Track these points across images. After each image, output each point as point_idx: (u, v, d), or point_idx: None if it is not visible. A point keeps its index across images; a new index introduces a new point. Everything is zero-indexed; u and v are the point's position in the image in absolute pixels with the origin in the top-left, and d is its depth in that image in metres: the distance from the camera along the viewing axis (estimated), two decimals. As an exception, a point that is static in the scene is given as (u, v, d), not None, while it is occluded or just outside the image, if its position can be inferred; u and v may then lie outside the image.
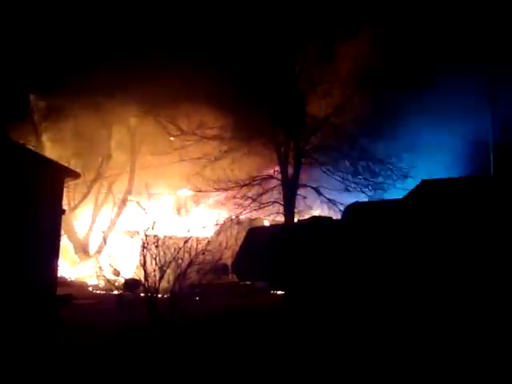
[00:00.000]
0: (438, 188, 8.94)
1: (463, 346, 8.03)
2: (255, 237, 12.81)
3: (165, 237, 14.74)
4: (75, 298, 19.70)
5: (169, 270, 14.49)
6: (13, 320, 13.31)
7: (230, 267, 15.49)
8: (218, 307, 17.60)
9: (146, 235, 14.21)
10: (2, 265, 13.81)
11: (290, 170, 18.41)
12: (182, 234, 16.18)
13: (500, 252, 8.31)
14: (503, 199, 8.88)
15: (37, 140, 27.39)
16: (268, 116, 18.50)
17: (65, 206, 18.55)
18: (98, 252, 28.38)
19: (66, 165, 18.96)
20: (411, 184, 17.54)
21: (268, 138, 18.52)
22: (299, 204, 18.39)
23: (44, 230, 15.17)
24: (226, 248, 14.60)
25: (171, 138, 19.30)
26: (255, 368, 9.80)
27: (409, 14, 18.16)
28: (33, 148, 21.75)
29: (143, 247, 14.22)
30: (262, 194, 18.24)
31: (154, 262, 14.34)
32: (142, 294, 17.05)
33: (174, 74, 19.06)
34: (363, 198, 18.67)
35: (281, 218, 20.07)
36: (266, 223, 20.31)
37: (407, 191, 17.71)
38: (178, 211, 16.03)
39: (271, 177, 18.52)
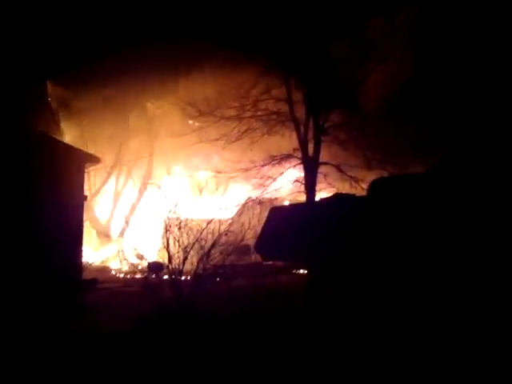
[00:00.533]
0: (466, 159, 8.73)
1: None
2: (278, 216, 12.66)
3: (186, 219, 14.78)
4: (100, 281, 19.91)
5: (192, 252, 14.55)
6: (39, 306, 13.48)
7: (252, 247, 15.46)
8: (242, 288, 17.71)
9: (169, 218, 14.25)
10: (28, 252, 13.96)
11: (310, 149, 18.20)
12: (203, 216, 16.18)
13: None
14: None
15: (56, 127, 27.49)
16: (286, 93, 18.30)
17: (86, 192, 18.67)
18: (121, 236, 28.58)
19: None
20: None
21: (287, 116, 18.30)
22: (320, 182, 18.21)
23: (67, 216, 15.31)
24: (248, 228, 14.59)
25: (190, 122, 19.11)
26: (279, 350, 9.83)
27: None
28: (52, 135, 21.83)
29: (166, 230, 14.27)
30: (282, 174, 18.12)
31: (177, 245, 14.40)
32: (165, 277, 17.20)
33: (189, 54, 18.99)
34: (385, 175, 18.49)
35: (302, 198, 19.95)
36: (286, 203, 20.23)
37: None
38: (200, 192, 15.93)
39: (291, 156, 18.34)
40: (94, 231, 28.69)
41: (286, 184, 18.45)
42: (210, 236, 14.32)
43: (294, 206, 15.11)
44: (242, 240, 14.46)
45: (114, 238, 29.85)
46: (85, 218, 18.63)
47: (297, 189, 18.90)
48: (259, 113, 18.50)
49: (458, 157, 9.02)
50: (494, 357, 7.47)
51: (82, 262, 17.19)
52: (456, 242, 8.11)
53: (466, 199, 8.19)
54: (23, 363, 9.43)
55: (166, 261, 15.39)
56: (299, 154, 18.20)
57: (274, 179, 18.23)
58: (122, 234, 28.55)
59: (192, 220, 15.13)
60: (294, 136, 18.48)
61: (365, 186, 17.80)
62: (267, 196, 18.70)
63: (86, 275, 17.79)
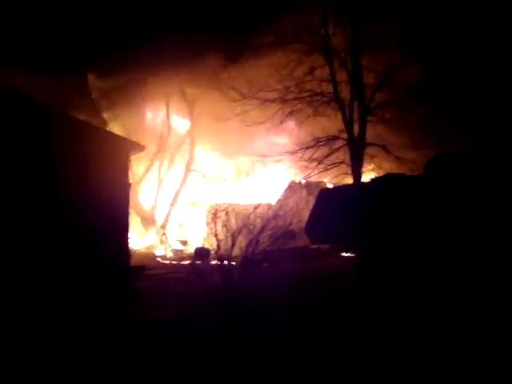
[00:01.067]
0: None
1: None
2: (327, 198, 12.33)
3: (232, 204, 14.65)
4: (147, 268, 20.05)
5: (240, 237, 14.42)
6: (91, 293, 13.62)
7: (296, 231, 15.24)
8: (290, 272, 17.53)
9: (216, 203, 14.14)
10: (78, 239, 14.09)
11: (356, 129, 17.83)
12: (249, 200, 16.07)
13: None
14: None
15: (98, 117, 27.74)
16: (330, 73, 17.93)
17: (129, 180, 18.73)
18: (165, 223, 28.76)
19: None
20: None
21: (331, 96, 17.93)
22: (367, 163, 17.84)
23: (114, 204, 15.36)
24: (296, 212, 14.39)
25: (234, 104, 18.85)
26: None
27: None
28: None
29: (214, 215, 14.17)
30: (328, 155, 17.76)
31: (225, 230, 14.29)
32: (212, 262, 17.17)
33: (229, 36, 18.77)
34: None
35: (347, 180, 19.62)
36: (329, 186, 19.90)
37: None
38: (247, 175, 15.78)
39: (336, 137, 17.97)
40: (139, 218, 28.90)
41: (331, 166, 18.05)
42: (257, 220, 14.20)
43: (344, 188, 14.80)
44: (291, 224, 14.28)
45: (158, 225, 30.08)
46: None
47: (342, 171, 18.52)
48: (303, 94, 18.14)
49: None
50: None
51: (129, 249, 17.27)
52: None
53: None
54: (78, 348, 9.53)
55: (213, 246, 15.43)
56: (345, 136, 17.82)
57: (320, 162, 17.86)
58: (166, 220, 28.73)
59: (238, 205, 15.03)
60: (340, 117, 18.12)
61: (412, 166, 17.40)
62: (312, 179, 18.45)
63: (132, 262, 17.90)
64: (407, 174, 13.79)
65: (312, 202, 14.71)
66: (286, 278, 15.88)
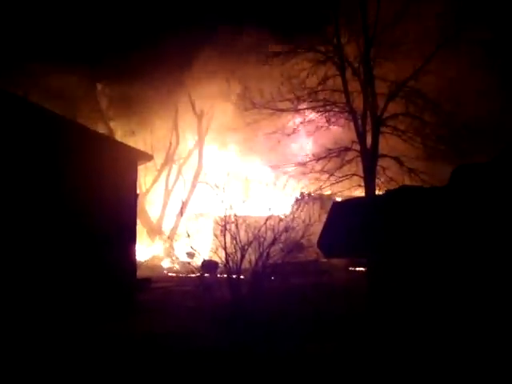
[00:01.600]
0: None
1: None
2: (341, 211, 11.88)
3: (241, 217, 14.28)
4: (153, 280, 19.70)
5: (250, 250, 14.05)
6: (97, 305, 13.30)
7: (305, 244, 14.86)
8: (300, 286, 17.14)
9: (225, 216, 13.79)
10: (84, 251, 13.79)
11: (369, 140, 17.46)
12: (258, 212, 15.68)
13: None
14: None
15: (106, 126, 27.55)
16: (342, 82, 17.60)
17: (137, 190, 18.43)
18: (172, 235, 28.43)
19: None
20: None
21: (344, 107, 17.59)
22: (380, 175, 17.42)
23: (122, 214, 15.09)
24: (309, 224, 14.00)
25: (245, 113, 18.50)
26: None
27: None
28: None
29: (223, 228, 13.81)
30: (340, 167, 17.38)
31: (234, 242, 13.92)
32: (219, 275, 16.77)
33: (241, 44, 18.55)
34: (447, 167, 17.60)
35: (358, 193, 19.25)
36: (338, 199, 19.47)
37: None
38: (266, 185, 15.34)
39: (349, 148, 17.59)
40: (145, 229, 28.60)
41: (343, 178, 17.66)
42: (268, 233, 13.83)
43: (357, 201, 14.39)
44: (303, 237, 13.91)
45: (165, 237, 29.76)
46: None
47: (354, 183, 18.13)
48: (315, 104, 17.82)
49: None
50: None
51: (136, 261, 16.95)
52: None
53: None
54: (80, 363, 9.19)
55: (221, 259, 15.06)
56: (357, 147, 17.45)
57: (331, 174, 17.48)
58: (173, 232, 28.41)
59: (249, 217, 14.66)
60: (352, 128, 17.77)
61: (425, 177, 17.04)
62: (324, 191, 18.05)
63: (138, 274, 17.58)
64: (423, 186, 13.44)
65: (322, 214, 14.34)
66: (297, 293, 15.51)
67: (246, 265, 14.17)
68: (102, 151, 14.66)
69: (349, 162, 17.56)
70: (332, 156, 17.41)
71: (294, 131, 18.16)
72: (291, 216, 13.84)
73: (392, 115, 17.53)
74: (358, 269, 22.73)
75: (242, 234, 14.09)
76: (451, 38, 16.58)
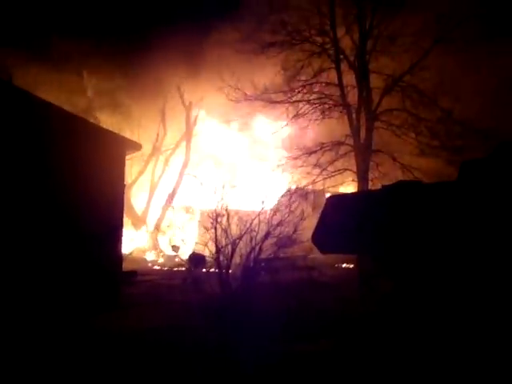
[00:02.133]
0: None
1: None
2: (336, 205, 11.57)
3: (232, 210, 13.92)
4: (139, 274, 19.29)
5: (241, 244, 13.70)
6: (82, 298, 12.88)
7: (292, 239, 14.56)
8: (290, 281, 16.85)
9: (216, 208, 13.42)
10: (69, 242, 13.33)
11: (362, 135, 17.19)
12: (248, 207, 15.34)
13: None
14: None
15: (92, 116, 26.96)
16: (337, 75, 17.29)
17: (125, 181, 17.95)
18: (157, 227, 27.98)
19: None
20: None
21: (338, 100, 17.28)
22: (373, 171, 17.16)
23: (108, 205, 14.62)
24: (302, 219, 13.69)
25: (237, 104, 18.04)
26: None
27: None
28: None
29: (215, 220, 13.45)
30: (334, 161, 17.08)
31: (225, 236, 13.57)
32: (206, 270, 16.41)
33: (232, 34, 18.09)
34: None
35: (349, 188, 19.02)
36: (327, 195, 19.20)
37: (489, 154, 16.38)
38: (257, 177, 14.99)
39: (342, 143, 17.30)
40: (129, 221, 28.12)
41: (336, 173, 17.36)
42: (258, 227, 13.51)
43: (354, 195, 14.11)
44: (296, 231, 13.60)
45: (150, 229, 29.32)
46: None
47: (346, 178, 17.86)
48: (309, 97, 17.49)
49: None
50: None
51: (122, 253, 16.50)
52: None
53: None
54: (64, 359, 8.80)
55: (211, 253, 14.71)
56: (351, 141, 17.17)
57: (324, 168, 17.17)
58: (158, 224, 27.97)
59: (239, 211, 14.32)
60: (345, 123, 17.48)
61: (418, 173, 16.84)
62: (315, 186, 17.74)
63: (123, 267, 17.16)
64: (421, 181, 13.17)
65: (313, 209, 14.06)
66: (288, 289, 15.22)
67: (236, 259, 13.90)
68: (88, 139, 14.14)
69: (342, 156, 17.27)
70: (325, 150, 17.10)
71: (287, 124, 17.80)
72: (284, 210, 13.48)
73: (387, 110, 17.29)
74: (344, 265, 22.57)
75: (233, 227, 13.78)
76: (449, 33, 16.31)
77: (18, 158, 12.61)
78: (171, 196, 28.61)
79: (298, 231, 13.57)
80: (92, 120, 25.61)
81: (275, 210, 13.38)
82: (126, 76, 25.91)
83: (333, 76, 17.37)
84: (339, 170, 17.26)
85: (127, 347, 9.61)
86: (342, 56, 17.22)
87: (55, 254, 13.03)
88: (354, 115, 17.17)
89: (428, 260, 8.96)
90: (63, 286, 12.92)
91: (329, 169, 17.21)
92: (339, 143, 17.21)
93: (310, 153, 17.41)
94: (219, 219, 13.40)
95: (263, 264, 14.26)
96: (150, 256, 27.58)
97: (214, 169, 25.14)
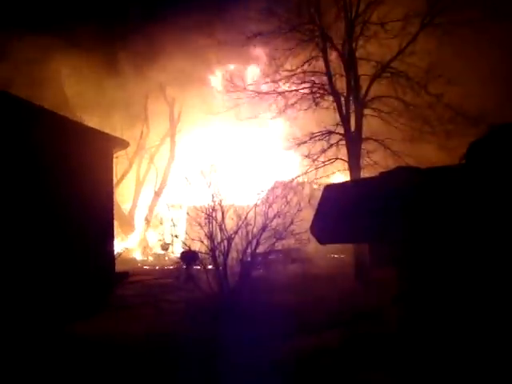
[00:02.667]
0: None
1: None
2: (334, 195, 11.22)
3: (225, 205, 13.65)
4: (132, 274, 18.91)
5: (236, 238, 13.45)
6: (75, 301, 12.53)
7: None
8: (286, 274, 16.62)
9: (213, 205, 13.15)
10: (59, 243, 12.98)
11: (352, 123, 16.96)
12: (241, 201, 15.06)
13: None
14: None
15: (72, 115, 26.37)
16: (324, 63, 17.03)
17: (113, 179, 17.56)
18: (145, 226, 27.57)
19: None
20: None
21: (326, 89, 17.02)
22: (364, 159, 16.95)
23: (98, 205, 14.29)
24: (299, 210, 13.46)
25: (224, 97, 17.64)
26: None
27: None
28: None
29: (210, 216, 13.18)
30: (324, 151, 16.83)
31: (220, 231, 13.30)
32: (198, 267, 16.12)
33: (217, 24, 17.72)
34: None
35: (339, 179, 18.76)
36: (314, 186, 18.99)
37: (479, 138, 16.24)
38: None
39: (332, 132, 17.05)
40: (116, 221, 27.66)
41: (327, 162, 17.11)
42: (254, 220, 13.26)
43: (352, 183, 13.88)
44: (292, 223, 13.38)
45: (137, 228, 28.90)
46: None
47: (337, 168, 17.60)
48: (297, 86, 17.20)
49: None
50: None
51: (113, 254, 16.14)
52: None
53: None
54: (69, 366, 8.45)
55: (202, 250, 14.42)
56: (341, 130, 16.93)
57: (315, 159, 16.91)
58: (146, 223, 27.53)
59: (231, 205, 14.06)
60: (333, 112, 17.23)
61: (410, 160, 16.66)
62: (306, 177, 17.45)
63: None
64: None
65: (297, 202, 13.84)
66: (284, 282, 15.02)
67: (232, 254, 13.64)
68: (75, 138, 13.78)
69: (332, 145, 17.02)
70: (316, 140, 16.84)
71: (276, 115, 17.49)
72: (280, 201, 13.22)
73: (376, 97, 17.08)
74: (335, 256, 22.44)
75: (228, 222, 13.52)
76: (436, 17, 16.12)
77: (4, 159, 12.20)
78: (157, 194, 28.20)
79: (295, 223, 13.38)
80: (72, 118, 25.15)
81: (271, 203, 13.14)
82: (106, 73, 25.32)
83: (321, 64, 17.09)
84: (330, 160, 17.01)
85: (116, 353, 9.25)
86: (329, 44, 16.91)
87: (45, 255, 12.70)
88: (343, 103, 16.91)
89: (433, 247, 8.74)
90: (53, 287, 12.57)
91: (320, 159, 16.93)
92: (329, 132, 16.95)
93: (300, 143, 17.14)
94: (214, 214, 13.16)
95: (260, 258, 14.06)
96: (138, 255, 27.21)
97: (200, 164, 24.74)
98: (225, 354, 8.69)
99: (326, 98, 17.05)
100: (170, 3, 21.67)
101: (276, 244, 14.18)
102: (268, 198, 14.00)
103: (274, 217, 12.79)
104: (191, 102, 24.69)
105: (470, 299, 7.42)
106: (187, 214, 14.37)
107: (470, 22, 15.20)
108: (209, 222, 13.32)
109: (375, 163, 16.93)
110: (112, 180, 15.81)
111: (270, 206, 12.97)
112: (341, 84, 17.07)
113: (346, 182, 14.62)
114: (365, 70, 17.20)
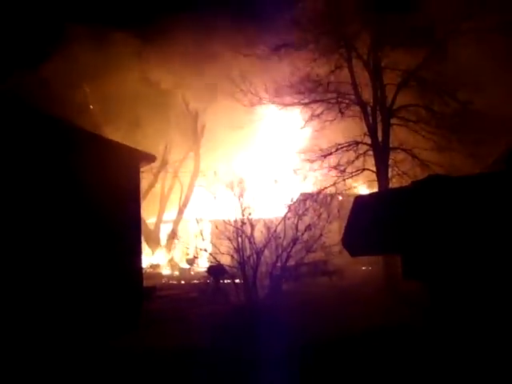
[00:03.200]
0: None
1: None
2: (364, 206, 11.04)
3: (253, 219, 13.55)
4: (159, 289, 18.89)
5: (266, 252, 13.35)
6: (104, 317, 12.47)
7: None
8: (314, 287, 16.42)
9: (242, 219, 13.08)
10: (89, 261, 12.93)
11: (379, 133, 16.79)
12: (268, 214, 14.95)
13: None
14: None
15: (97, 131, 26.59)
16: (350, 73, 16.92)
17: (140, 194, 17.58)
18: (170, 241, 27.59)
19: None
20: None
21: (353, 99, 16.89)
22: (392, 169, 16.75)
23: (127, 219, 14.22)
24: (329, 222, 13.33)
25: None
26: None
27: None
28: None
29: (240, 230, 13.11)
30: (352, 162, 16.65)
31: (249, 245, 13.22)
32: (225, 281, 16.01)
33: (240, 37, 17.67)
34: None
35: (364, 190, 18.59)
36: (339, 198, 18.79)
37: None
38: (275, 182, 14.54)
39: (359, 142, 16.89)
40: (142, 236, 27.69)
41: (354, 173, 16.94)
42: (284, 233, 13.14)
43: (382, 194, 13.72)
44: (321, 235, 13.24)
45: (163, 243, 28.92)
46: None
47: (365, 178, 17.43)
48: (323, 97, 17.08)
49: None
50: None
51: (142, 268, 16.10)
52: None
53: None
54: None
55: (228, 264, 14.32)
56: (368, 141, 16.77)
57: (343, 171, 16.74)
58: (171, 238, 27.53)
59: (259, 220, 13.98)
60: (359, 122, 17.10)
61: (438, 169, 16.43)
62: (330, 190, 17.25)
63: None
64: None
65: (324, 214, 13.69)
66: (312, 295, 14.83)
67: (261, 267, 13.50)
68: (103, 154, 13.75)
69: (359, 157, 16.85)
70: (342, 151, 16.69)
71: (302, 126, 17.38)
72: (312, 214, 13.09)
73: (402, 106, 16.91)
74: (363, 268, 22.17)
75: (257, 234, 13.42)
76: (463, 24, 15.93)
77: (33, 176, 12.24)
78: (182, 208, 28.24)
79: (325, 235, 13.22)
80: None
81: (301, 215, 13.01)
82: (130, 89, 25.52)
83: (346, 74, 16.97)
84: (358, 171, 16.83)
85: (154, 368, 9.14)
86: (354, 53, 16.80)
87: (75, 272, 12.65)
88: (369, 113, 16.76)
89: (472, 257, 8.51)
90: (85, 304, 12.53)
91: (347, 170, 16.77)
92: (356, 143, 16.80)
93: (326, 155, 16.99)
94: (243, 227, 13.07)
95: (291, 271, 13.95)
96: (165, 270, 27.20)
97: (226, 178, 24.73)
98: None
99: (351, 108, 16.92)
100: (192, 15, 21.69)
101: (307, 256, 14.06)
102: (297, 210, 13.89)
103: (306, 229, 12.61)
104: (215, 116, 24.69)
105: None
106: (216, 227, 14.17)
107: (499, 27, 14.97)
108: (237, 235, 13.24)
109: (404, 173, 16.72)
110: (139, 195, 15.75)
111: (299, 219, 12.81)
112: (367, 94, 16.92)
113: (377, 192, 14.46)
114: (391, 78, 17.04)
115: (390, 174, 16.77)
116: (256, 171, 18.46)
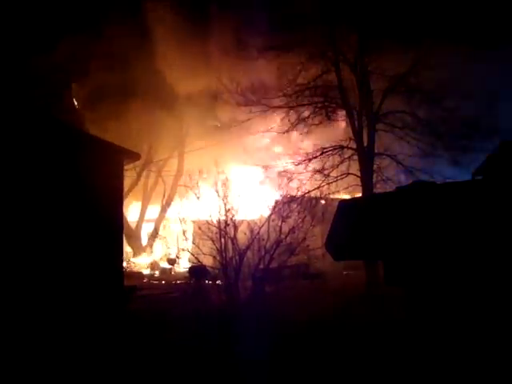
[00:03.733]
0: None
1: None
2: (349, 210, 10.98)
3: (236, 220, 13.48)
4: (139, 289, 18.71)
5: (249, 254, 13.27)
6: (86, 316, 12.29)
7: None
8: (297, 289, 16.37)
9: (225, 220, 12.98)
10: (68, 259, 12.77)
11: (365, 138, 16.83)
12: (250, 215, 14.88)
13: None
14: None
15: (82, 129, 26.34)
16: (337, 78, 16.94)
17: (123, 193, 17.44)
18: (151, 241, 27.43)
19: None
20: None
21: (339, 103, 16.91)
22: (376, 174, 16.80)
23: (108, 217, 14.10)
24: (312, 225, 13.30)
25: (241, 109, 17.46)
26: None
27: None
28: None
29: (223, 231, 13.01)
30: (337, 166, 16.66)
31: (231, 247, 13.13)
32: (206, 281, 15.91)
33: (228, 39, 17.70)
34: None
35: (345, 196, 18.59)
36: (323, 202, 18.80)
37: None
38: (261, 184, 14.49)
39: (344, 147, 16.91)
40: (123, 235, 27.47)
41: (339, 178, 16.94)
42: (268, 235, 13.08)
43: (367, 198, 13.72)
44: (305, 239, 13.20)
45: (144, 242, 28.73)
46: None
47: (349, 183, 17.43)
48: (310, 101, 17.08)
49: None
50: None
51: (122, 268, 15.95)
52: None
53: None
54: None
55: (209, 263, 14.22)
56: (353, 145, 16.80)
57: (327, 175, 16.74)
58: (152, 237, 27.36)
59: (241, 221, 13.89)
60: (344, 127, 17.17)
61: (422, 175, 16.59)
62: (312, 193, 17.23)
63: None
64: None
65: (308, 217, 13.67)
66: (300, 299, 14.78)
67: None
68: (86, 151, 13.64)
69: (343, 161, 16.87)
70: (328, 154, 16.70)
71: (288, 129, 17.35)
72: (296, 216, 13.05)
73: (389, 112, 16.97)
74: (344, 273, 22.18)
75: (240, 236, 13.34)
76: (449, 31, 16.01)
77: (18, 172, 12.08)
78: (164, 208, 28.09)
79: (308, 238, 13.19)
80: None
81: (285, 217, 12.96)
82: (114, 88, 25.34)
83: (334, 78, 17.00)
84: (342, 175, 16.85)
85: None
86: (341, 58, 16.83)
87: (54, 270, 12.48)
88: (355, 118, 16.80)
89: (456, 262, 8.51)
90: (63, 304, 12.35)
91: (331, 174, 16.78)
92: (342, 147, 16.82)
93: (311, 158, 16.98)
94: (226, 228, 12.97)
95: (274, 273, 13.88)
96: (145, 270, 27.01)
97: (209, 179, 24.62)
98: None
99: (338, 112, 16.95)
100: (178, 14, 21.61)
101: (289, 259, 14.02)
102: (281, 212, 13.83)
103: (289, 232, 12.57)
104: (200, 115, 24.61)
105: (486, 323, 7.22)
106: (199, 228, 14.05)
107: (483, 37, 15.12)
108: (220, 236, 13.15)
109: (388, 179, 16.79)
110: (122, 192, 15.66)
111: (283, 221, 12.76)
112: (354, 98, 16.95)
113: (361, 196, 14.46)
114: (378, 84, 17.10)
115: (374, 180, 16.81)
116: (241, 172, 18.40)
